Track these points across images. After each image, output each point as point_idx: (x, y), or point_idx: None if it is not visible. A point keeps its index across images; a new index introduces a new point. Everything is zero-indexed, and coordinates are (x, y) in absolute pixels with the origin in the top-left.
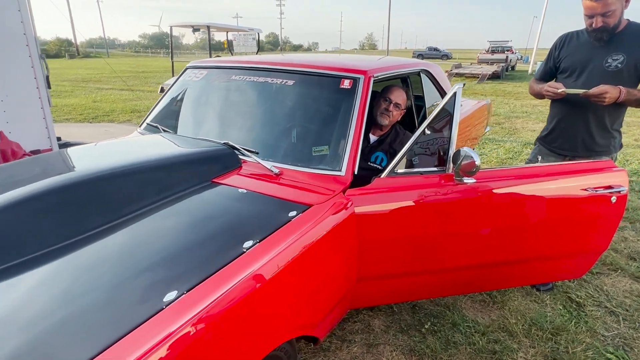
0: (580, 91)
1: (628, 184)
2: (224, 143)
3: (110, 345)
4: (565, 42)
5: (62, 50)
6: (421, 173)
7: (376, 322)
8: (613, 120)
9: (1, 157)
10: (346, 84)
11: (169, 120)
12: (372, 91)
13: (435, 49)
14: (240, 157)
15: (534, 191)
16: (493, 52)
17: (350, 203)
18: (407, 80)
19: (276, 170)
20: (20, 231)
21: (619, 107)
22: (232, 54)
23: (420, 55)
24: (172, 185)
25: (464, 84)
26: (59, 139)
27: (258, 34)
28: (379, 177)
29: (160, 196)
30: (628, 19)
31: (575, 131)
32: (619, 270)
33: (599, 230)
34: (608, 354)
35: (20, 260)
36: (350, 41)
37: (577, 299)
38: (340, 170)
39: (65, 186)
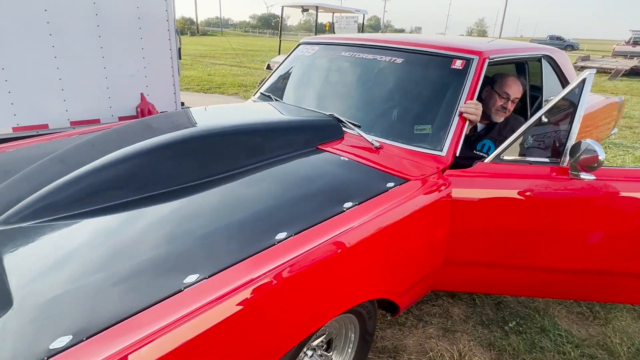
0: None
1: None
2: (329, 114)
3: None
4: None
5: (185, 28)
6: (531, 163)
7: (455, 310)
8: None
9: (141, 114)
10: (458, 64)
11: (280, 90)
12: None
13: (559, 38)
14: (344, 129)
15: None
16: (636, 43)
17: (448, 183)
18: (524, 67)
19: (377, 144)
20: (160, 170)
21: None
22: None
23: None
24: (285, 146)
25: (596, 70)
26: (182, 104)
27: (364, 15)
28: (483, 161)
29: (274, 154)
30: None
31: None
32: None
33: None
34: None
35: (157, 193)
36: (457, 27)
37: None
38: (441, 150)
39: (201, 136)
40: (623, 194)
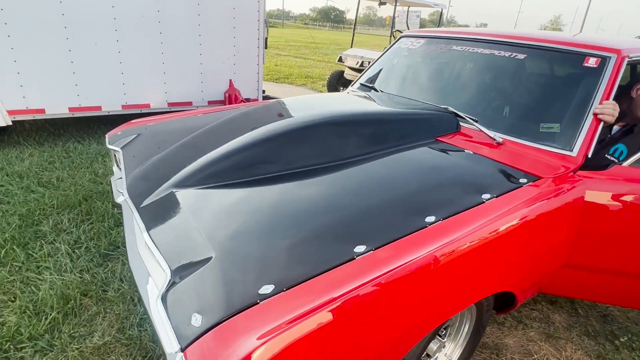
0: None
1: None
2: (444, 107)
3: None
4: None
5: None
6: None
7: (557, 316)
8: None
9: (228, 100)
10: (592, 62)
11: (382, 82)
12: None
13: None
14: (460, 123)
15: None
16: None
17: (580, 184)
18: None
19: (499, 139)
20: (305, 148)
21: None
22: (392, 31)
23: None
24: (407, 135)
25: None
26: (263, 91)
27: (440, 10)
28: (620, 164)
29: (398, 143)
30: None
31: None
32: None
33: None
34: None
35: (304, 169)
36: (527, 24)
37: None
38: (571, 150)
39: (338, 120)
40: None
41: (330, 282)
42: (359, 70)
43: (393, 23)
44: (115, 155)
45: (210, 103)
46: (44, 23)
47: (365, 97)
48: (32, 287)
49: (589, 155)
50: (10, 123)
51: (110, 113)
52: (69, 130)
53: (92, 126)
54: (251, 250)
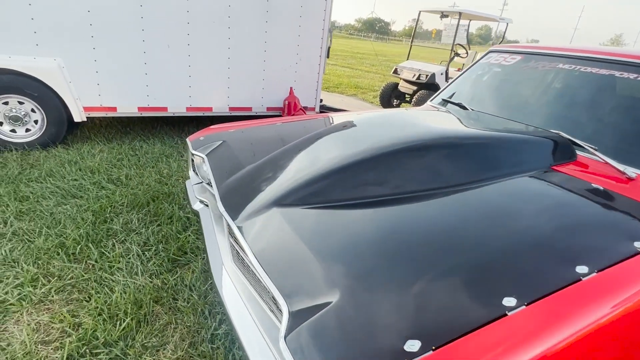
0: None
1: None
2: (556, 133)
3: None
4: None
5: None
6: None
7: None
8: None
9: (287, 108)
10: None
11: (470, 99)
12: None
13: None
14: (577, 151)
15: None
16: None
17: None
18: None
19: (633, 174)
20: (412, 171)
21: None
22: (453, 44)
23: None
24: (521, 163)
25: None
26: (321, 100)
27: (504, 24)
28: None
29: (511, 170)
30: None
31: None
32: None
33: None
34: None
35: (414, 194)
36: (585, 42)
37: None
38: None
39: (448, 143)
40: None
41: (484, 343)
42: (415, 84)
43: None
44: (194, 160)
45: (269, 109)
46: (124, 25)
47: (463, 115)
48: (106, 288)
49: None
50: (85, 119)
51: (175, 114)
52: (135, 128)
53: (155, 126)
54: (382, 294)
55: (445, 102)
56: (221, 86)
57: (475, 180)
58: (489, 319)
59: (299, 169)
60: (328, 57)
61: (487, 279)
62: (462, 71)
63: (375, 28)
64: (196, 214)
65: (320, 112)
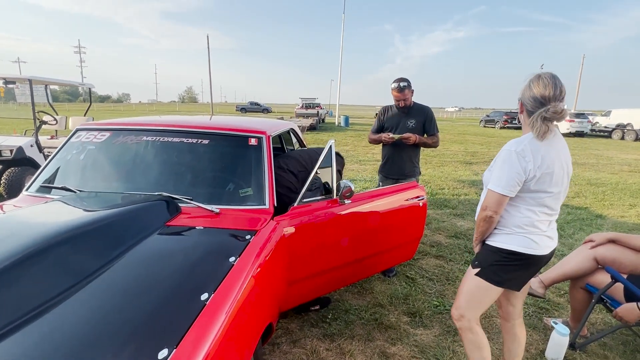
0: (397, 136)
1: (426, 195)
2: (159, 194)
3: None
4: (385, 111)
5: None
6: (317, 200)
7: (292, 325)
8: (415, 156)
9: None
10: (253, 141)
11: (76, 180)
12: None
13: (256, 104)
14: (180, 204)
15: (380, 205)
16: (307, 107)
17: (278, 226)
18: (286, 136)
19: (217, 210)
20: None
21: (416, 147)
22: (34, 111)
23: (243, 109)
24: (143, 229)
25: (334, 140)
26: None
27: (89, 88)
28: (293, 205)
29: (136, 237)
30: (413, 101)
31: (400, 162)
32: (427, 254)
33: (416, 224)
34: (434, 301)
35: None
36: (166, 94)
37: (410, 276)
38: (265, 204)
39: (70, 237)
40: (366, 206)
41: None
42: None
43: (33, 102)
44: None
45: None
46: None
47: (73, 199)
48: None
49: (275, 205)
50: None
51: None
52: None
53: None
54: None
55: (45, 188)
56: None
57: (109, 261)
58: None
59: None
60: None
61: (143, 339)
62: (57, 150)
63: None
64: None
65: None
